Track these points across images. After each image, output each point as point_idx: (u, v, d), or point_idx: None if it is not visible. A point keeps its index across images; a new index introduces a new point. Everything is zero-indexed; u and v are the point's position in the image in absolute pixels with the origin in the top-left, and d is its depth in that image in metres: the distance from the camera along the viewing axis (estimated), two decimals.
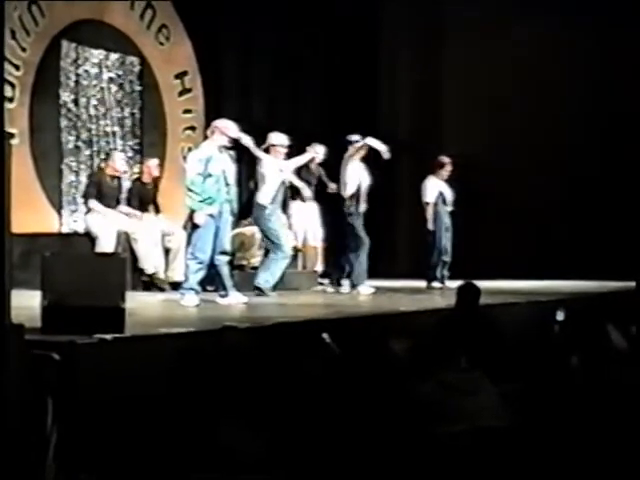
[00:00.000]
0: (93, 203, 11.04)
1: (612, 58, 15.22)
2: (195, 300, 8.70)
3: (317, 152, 11.72)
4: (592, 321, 8.00)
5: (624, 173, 15.02)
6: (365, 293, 11.06)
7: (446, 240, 12.34)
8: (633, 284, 10.85)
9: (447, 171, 12.31)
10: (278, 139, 10.43)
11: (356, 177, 11.25)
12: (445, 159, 12.40)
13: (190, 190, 8.85)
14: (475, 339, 6.54)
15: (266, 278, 10.12)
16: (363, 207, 11.29)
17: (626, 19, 15.05)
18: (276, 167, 10.29)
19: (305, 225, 12.42)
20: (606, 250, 14.46)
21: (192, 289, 8.77)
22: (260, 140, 10.45)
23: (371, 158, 11.48)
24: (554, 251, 14.77)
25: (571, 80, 15.32)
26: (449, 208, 12.39)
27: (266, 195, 10.19)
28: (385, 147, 11.15)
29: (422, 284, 12.34)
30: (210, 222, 8.80)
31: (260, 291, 10.02)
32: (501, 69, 15.69)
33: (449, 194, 12.36)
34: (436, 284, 12.25)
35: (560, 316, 8.86)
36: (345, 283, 11.40)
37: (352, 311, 8.51)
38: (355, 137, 11.33)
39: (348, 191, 11.23)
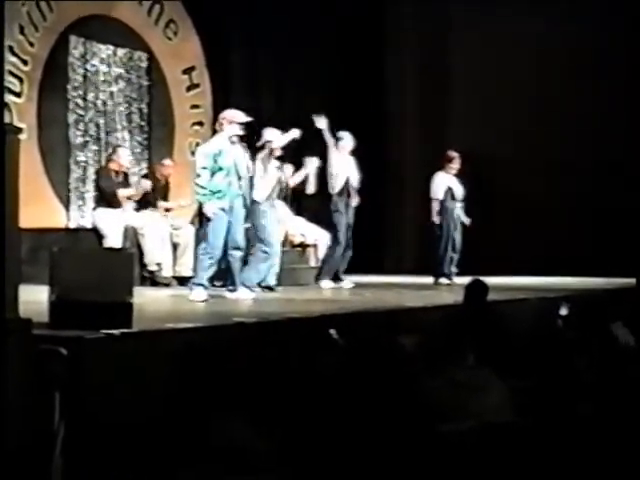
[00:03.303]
0: (123, 191, 11.03)
1: (620, 52, 15.21)
2: (203, 295, 8.68)
3: (313, 163, 11.62)
4: (598, 317, 7.99)
5: (630, 169, 15.02)
6: (325, 287, 11.12)
7: (456, 236, 12.32)
8: (634, 281, 10.90)
9: (456, 165, 12.30)
10: (273, 136, 10.26)
11: (343, 172, 11.19)
12: (453, 153, 12.40)
13: (197, 184, 8.84)
14: (484, 335, 6.53)
15: (250, 276, 9.71)
16: (355, 202, 11.25)
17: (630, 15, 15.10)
18: (274, 165, 10.25)
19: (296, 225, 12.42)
20: (611, 247, 14.45)
21: (201, 284, 8.75)
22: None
23: (363, 153, 11.48)
24: (559, 247, 14.74)
25: (578, 77, 15.32)
26: (459, 204, 12.37)
27: (262, 191, 10.02)
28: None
29: (429, 280, 12.32)
30: (221, 216, 8.75)
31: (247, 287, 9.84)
32: (508, 65, 15.69)
33: (459, 189, 12.34)
34: (443, 280, 12.22)
35: (563, 311, 8.86)
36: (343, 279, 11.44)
37: (359, 307, 8.50)
38: (344, 134, 11.26)
39: (336, 188, 11.19)
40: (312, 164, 11.29)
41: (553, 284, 12.29)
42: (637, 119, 14.98)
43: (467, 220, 12.47)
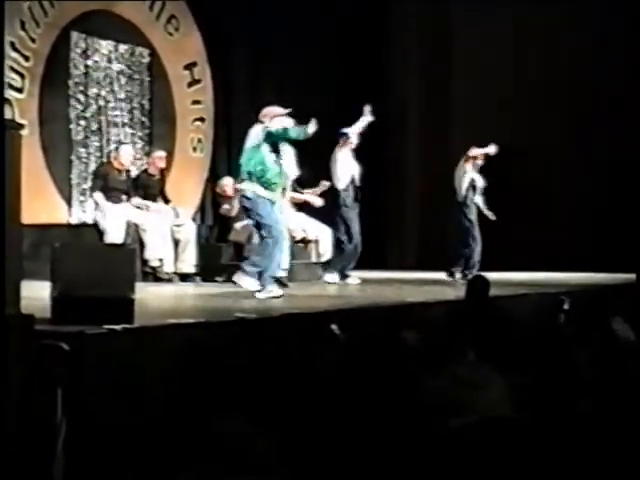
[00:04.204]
0: (98, 196, 11.05)
1: (620, 52, 15.24)
2: (276, 291, 8.60)
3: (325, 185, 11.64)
4: (598, 312, 7.99)
5: (631, 165, 15.04)
6: (330, 281, 11.21)
7: (475, 232, 12.36)
8: (634, 276, 10.90)
9: (480, 161, 12.35)
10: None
11: (348, 168, 11.23)
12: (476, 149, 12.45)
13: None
14: (485, 331, 6.53)
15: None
16: (359, 196, 11.29)
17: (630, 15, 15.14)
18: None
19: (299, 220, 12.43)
20: (611, 242, 14.47)
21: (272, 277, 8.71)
22: None
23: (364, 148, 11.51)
24: (560, 243, 14.76)
25: (578, 77, 15.35)
26: (479, 197, 12.41)
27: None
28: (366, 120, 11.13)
29: (431, 276, 12.31)
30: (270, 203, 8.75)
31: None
32: (508, 65, 15.73)
33: (480, 182, 12.39)
34: (465, 273, 12.11)
35: (566, 305, 8.88)
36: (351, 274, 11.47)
37: (361, 302, 8.51)
38: (347, 130, 11.28)
39: (342, 184, 11.22)
40: (323, 189, 11.41)
41: (554, 280, 12.29)
42: (637, 119, 14.99)
43: (490, 214, 12.53)
